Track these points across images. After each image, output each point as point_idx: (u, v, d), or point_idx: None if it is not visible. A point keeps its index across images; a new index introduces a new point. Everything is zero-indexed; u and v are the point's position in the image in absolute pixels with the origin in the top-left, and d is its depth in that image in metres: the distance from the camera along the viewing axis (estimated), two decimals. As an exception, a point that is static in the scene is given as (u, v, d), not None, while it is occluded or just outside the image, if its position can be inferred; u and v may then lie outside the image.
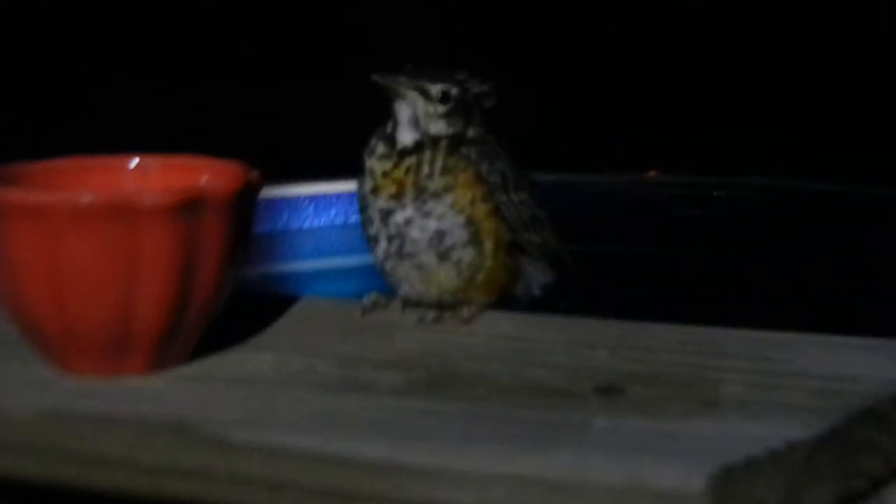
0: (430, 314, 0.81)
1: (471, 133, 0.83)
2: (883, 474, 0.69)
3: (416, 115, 0.82)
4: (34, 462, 0.68)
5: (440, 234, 0.81)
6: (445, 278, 0.82)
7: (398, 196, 0.81)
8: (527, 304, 0.86)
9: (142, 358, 0.73)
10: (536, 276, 0.85)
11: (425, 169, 0.81)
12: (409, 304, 0.83)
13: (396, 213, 0.81)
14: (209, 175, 0.77)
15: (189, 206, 0.70)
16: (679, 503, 0.59)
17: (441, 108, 0.82)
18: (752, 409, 0.68)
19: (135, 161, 0.80)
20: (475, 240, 0.81)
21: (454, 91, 0.83)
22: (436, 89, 0.82)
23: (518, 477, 0.61)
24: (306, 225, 1.84)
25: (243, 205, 0.73)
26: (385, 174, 0.81)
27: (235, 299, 0.76)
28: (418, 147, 0.81)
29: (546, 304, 0.87)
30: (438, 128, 0.82)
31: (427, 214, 0.81)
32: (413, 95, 0.82)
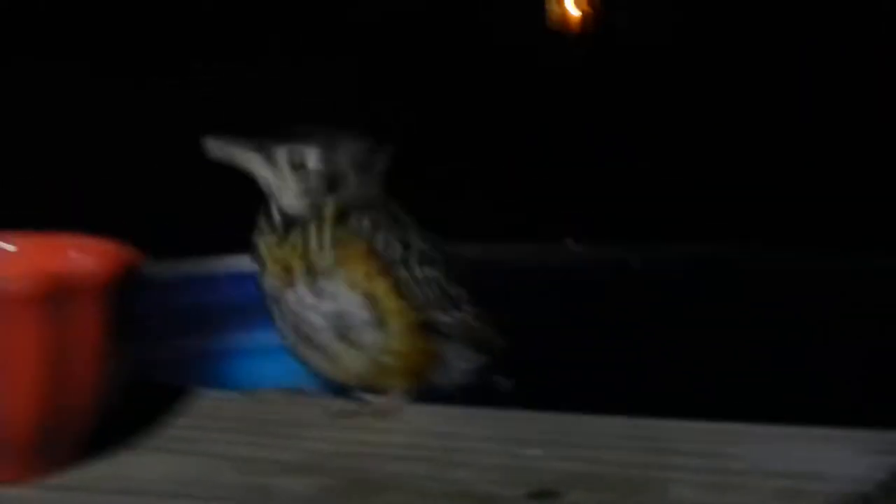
0: (348, 408, 0.73)
1: (358, 200, 0.73)
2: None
3: (269, 185, 0.73)
4: None
5: (338, 315, 0.72)
6: (352, 363, 0.73)
7: (288, 277, 0.73)
8: (452, 392, 0.77)
9: (12, 465, 0.64)
10: (457, 361, 0.76)
11: (312, 244, 0.72)
12: (291, 394, 0.75)
13: (289, 296, 0.73)
14: (81, 256, 0.68)
15: (59, 294, 0.61)
16: None
17: (292, 178, 0.73)
18: (707, 517, 0.60)
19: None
20: (378, 320, 0.72)
21: (311, 162, 0.73)
22: (283, 156, 0.73)
23: None
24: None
25: (121, 291, 0.64)
26: (269, 253, 0.73)
27: (126, 392, 0.67)
28: (304, 221, 0.73)
29: (474, 391, 0.78)
30: (318, 195, 0.73)
31: (321, 294, 0.72)
32: (259, 164, 0.73)
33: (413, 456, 0.68)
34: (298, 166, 0.73)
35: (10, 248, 0.71)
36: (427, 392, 0.76)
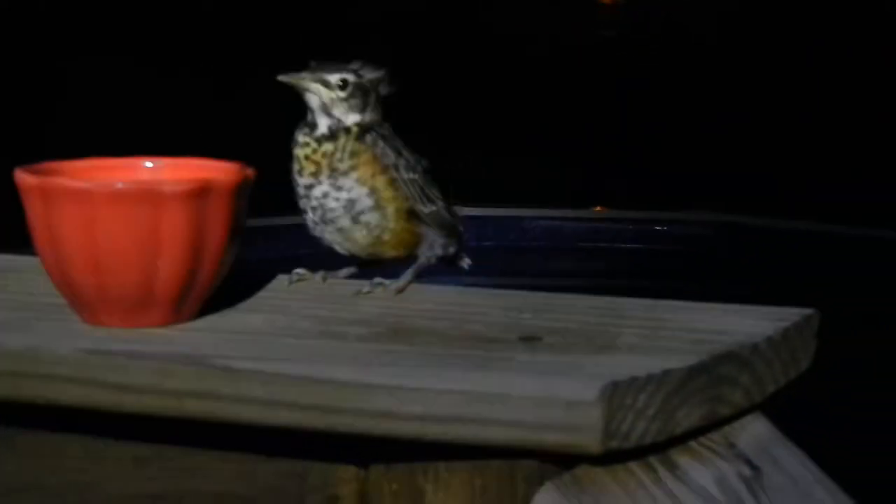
0: (365, 287, 1.01)
1: (368, 117, 1.03)
2: (743, 405, 0.89)
3: (322, 102, 1.03)
4: (81, 392, 0.86)
5: (351, 203, 1.02)
6: (360, 237, 1.03)
7: (316, 174, 1.02)
8: (432, 263, 1.06)
9: (159, 314, 0.91)
10: (436, 240, 1.05)
11: (337, 154, 1.02)
12: (329, 276, 1.04)
13: (316, 188, 1.02)
14: (211, 172, 0.96)
15: (200, 194, 0.89)
16: (579, 409, 0.79)
17: (341, 94, 1.02)
18: (640, 350, 0.88)
19: (149, 162, 1.00)
20: (378, 206, 1.02)
21: (351, 78, 1.03)
22: (335, 78, 1.03)
23: (457, 391, 0.80)
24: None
25: (242, 195, 0.92)
26: (306, 157, 1.02)
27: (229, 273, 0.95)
28: (333, 135, 1.02)
29: (445, 265, 1.08)
30: (341, 111, 1.02)
31: (339, 188, 1.02)
32: (316, 87, 1.03)
33: (437, 316, 0.96)
34: (344, 85, 1.02)
35: (154, 164, 0.99)
36: (412, 259, 1.04)
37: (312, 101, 1.03)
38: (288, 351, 0.87)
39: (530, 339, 0.90)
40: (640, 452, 0.83)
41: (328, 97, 1.02)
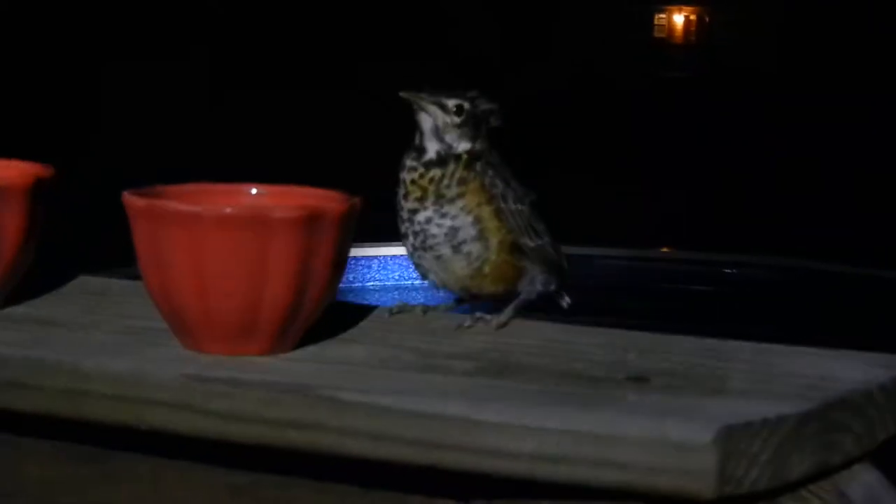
0: (467, 321, 0.99)
1: (478, 146, 1.02)
2: (855, 453, 0.87)
3: (436, 125, 1.02)
4: (183, 418, 0.85)
5: (454, 231, 1.00)
6: (459, 268, 1.01)
7: (421, 199, 1.00)
8: (532, 300, 1.04)
9: (262, 342, 0.91)
10: (537, 276, 1.03)
11: (445, 180, 1.00)
12: (429, 309, 1.03)
13: (420, 213, 1.00)
14: (316, 200, 0.95)
15: (309, 220, 0.88)
16: (694, 453, 0.77)
17: (456, 120, 1.01)
18: (751, 395, 0.86)
19: (255, 189, 0.99)
20: (482, 236, 1.00)
21: (466, 105, 1.02)
22: (452, 103, 1.02)
23: (568, 431, 0.79)
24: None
25: (348, 223, 0.91)
26: (413, 182, 1.01)
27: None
28: (441, 161, 1.01)
29: (543, 302, 1.06)
30: (453, 137, 1.01)
31: (444, 215, 1.00)
32: (433, 109, 1.02)
33: (542, 353, 0.94)
34: (460, 112, 1.01)
35: (259, 191, 0.98)
36: (512, 295, 1.02)
37: (426, 123, 1.02)
38: (393, 383, 0.86)
39: (639, 380, 0.88)
40: (750, 499, 0.81)
41: (442, 121, 1.01)
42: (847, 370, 0.91)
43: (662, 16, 8.34)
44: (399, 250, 1.60)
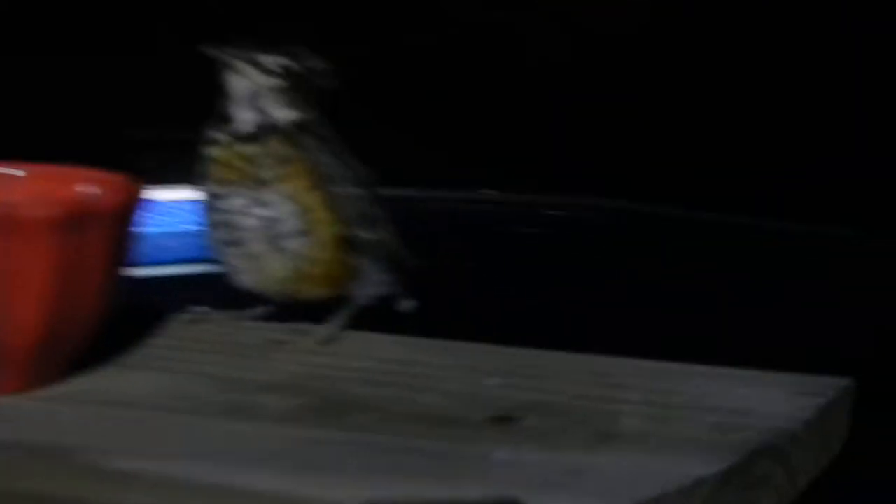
0: (283, 335, 0.78)
1: (303, 116, 0.79)
2: (774, 509, 0.69)
3: (251, 90, 0.79)
4: None
5: (272, 222, 0.78)
6: (277, 268, 0.79)
7: (230, 182, 0.78)
8: (364, 305, 0.83)
9: (13, 377, 0.68)
10: (373, 276, 0.82)
11: (261, 159, 0.78)
12: (234, 318, 0.81)
13: (227, 199, 0.78)
14: (88, 186, 0.73)
15: (73, 220, 0.66)
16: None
17: (277, 83, 0.79)
18: (652, 441, 0.66)
19: (2, 169, 0.76)
20: (308, 229, 0.78)
21: (294, 66, 0.79)
22: (272, 61, 0.79)
23: (420, 513, 0.58)
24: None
25: (128, 219, 0.69)
26: (218, 160, 0.79)
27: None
28: (257, 134, 0.78)
29: (385, 307, 0.84)
30: (272, 104, 0.79)
31: (259, 203, 0.78)
32: (247, 69, 0.79)
33: (379, 380, 0.74)
34: (283, 73, 0.78)
35: (20, 173, 0.75)
36: (341, 301, 0.81)
37: (238, 86, 0.79)
38: (185, 438, 0.65)
39: (505, 421, 0.68)
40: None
41: (259, 84, 0.79)
42: (764, 400, 0.73)
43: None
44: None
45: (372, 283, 0.81)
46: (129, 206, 0.69)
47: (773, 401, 0.73)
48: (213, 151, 0.79)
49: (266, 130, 0.78)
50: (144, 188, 0.70)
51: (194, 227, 0.82)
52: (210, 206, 0.79)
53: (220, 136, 0.79)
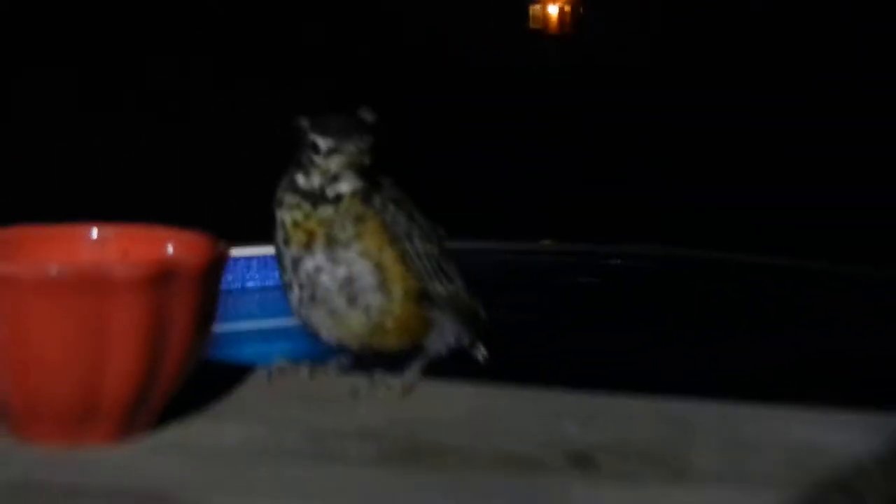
0: (365, 386, 0.81)
1: (377, 181, 0.83)
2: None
3: (334, 172, 0.82)
4: (1, 536, 0.66)
5: (349, 281, 0.81)
6: (355, 323, 0.82)
7: (308, 245, 0.81)
8: (442, 356, 0.85)
9: (107, 428, 0.71)
10: (448, 328, 0.85)
11: (338, 220, 0.81)
12: (316, 369, 0.84)
13: (307, 261, 0.82)
14: (173, 246, 0.76)
15: (161, 279, 0.69)
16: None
17: (359, 163, 0.82)
18: (726, 477, 0.68)
19: (95, 231, 0.79)
20: (383, 286, 0.81)
21: (370, 144, 0.82)
22: (363, 144, 0.82)
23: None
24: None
25: (213, 277, 0.72)
26: (296, 224, 0.82)
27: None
28: (332, 199, 0.81)
29: (459, 357, 0.87)
30: (349, 175, 0.82)
31: (337, 262, 0.81)
32: (333, 156, 0.82)
33: (459, 427, 0.76)
34: (363, 154, 0.82)
35: (109, 234, 0.78)
36: (418, 351, 0.84)
37: (321, 164, 0.82)
38: (273, 480, 0.67)
39: (583, 462, 0.70)
40: None
41: (350, 161, 0.82)
42: (834, 437, 0.74)
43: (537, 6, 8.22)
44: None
45: (446, 334, 0.84)
46: (213, 265, 0.72)
47: (843, 438, 0.74)
48: (289, 216, 0.82)
49: (345, 196, 0.81)
50: (226, 247, 0.73)
51: (273, 283, 0.86)
52: (289, 267, 0.82)
53: (294, 199, 0.82)
